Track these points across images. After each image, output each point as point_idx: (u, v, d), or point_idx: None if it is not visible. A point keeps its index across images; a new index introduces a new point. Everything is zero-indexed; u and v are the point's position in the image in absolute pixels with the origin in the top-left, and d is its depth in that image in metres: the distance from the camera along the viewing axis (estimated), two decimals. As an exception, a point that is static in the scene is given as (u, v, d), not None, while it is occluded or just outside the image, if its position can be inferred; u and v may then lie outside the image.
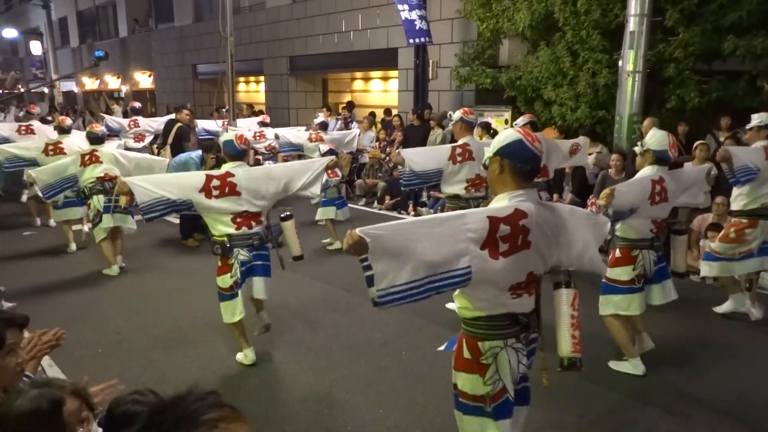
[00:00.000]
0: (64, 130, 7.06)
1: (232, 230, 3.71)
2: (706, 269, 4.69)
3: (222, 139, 4.21)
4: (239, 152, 3.86)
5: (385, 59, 12.25)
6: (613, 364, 3.88)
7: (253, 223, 3.76)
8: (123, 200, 5.73)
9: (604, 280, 3.75)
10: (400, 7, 9.72)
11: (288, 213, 4.11)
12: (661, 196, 3.53)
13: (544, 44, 8.38)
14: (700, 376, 3.80)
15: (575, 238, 2.28)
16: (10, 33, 28.00)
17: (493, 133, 8.36)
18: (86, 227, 7.14)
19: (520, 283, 2.11)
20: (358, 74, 15.14)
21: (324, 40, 13.56)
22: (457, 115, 4.84)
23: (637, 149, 3.74)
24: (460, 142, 4.73)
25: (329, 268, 6.14)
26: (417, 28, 9.75)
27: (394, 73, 12.72)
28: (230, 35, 8.00)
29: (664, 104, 7.53)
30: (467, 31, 10.22)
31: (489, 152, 2.19)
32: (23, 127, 8.65)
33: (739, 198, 4.45)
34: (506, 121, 9.23)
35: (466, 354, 2.22)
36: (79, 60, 25.73)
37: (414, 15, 9.66)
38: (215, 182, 3.63)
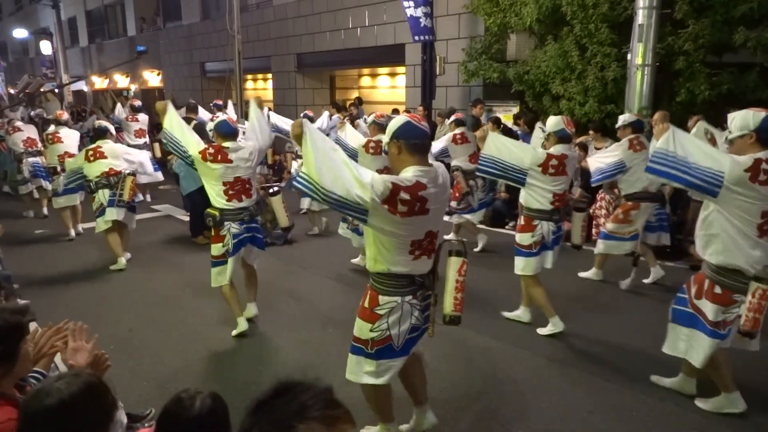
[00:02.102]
0: (60, 123, 7.54)
1: (223, 203, 4.11)
2: (601, 247, 5.39)
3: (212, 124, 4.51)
4: (232, 131, 4.25)
5: (392, 55, 12.22)
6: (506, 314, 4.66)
7: (243, 197, 4.16)
8: (126, 195, 5.94)
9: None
10: (405, 3, 9.69)
11: (276, 189, 4.59)
12: (558, 170, 4.09)
13: (551, 38, 8.32)
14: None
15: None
16: (21, 33, 28.25)
17: (503, 128, 8.33)
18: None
19: (419, 240, 2.49)
20: (366, 71, 15.12)
21: (331, 37, 13.56)
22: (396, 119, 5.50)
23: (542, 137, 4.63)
24: (375, 138, 5.40)
25: (308, 254, 6.53)
26: (422, 25, 9.71)
27: (401, 69, 12.69)
28: (238, 33, 8.04)
29: (674, 97, 7.45)
30: (474, 26, 10.17)
31: (385, 138, 2.60)
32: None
33: (624, 185, 5.27)
34: (514, 116, 9.19)
35: (366, 304, 2.65)
36: (89, 59, 25.90)
37: (419, 12, 9.62)
38: (210, 150, 4.11)
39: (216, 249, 4.23)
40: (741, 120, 2.99)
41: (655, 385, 3.60)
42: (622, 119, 5.49)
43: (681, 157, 2.97)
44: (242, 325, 4.34)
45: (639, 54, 6.91)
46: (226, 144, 4.15)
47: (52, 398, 1.47)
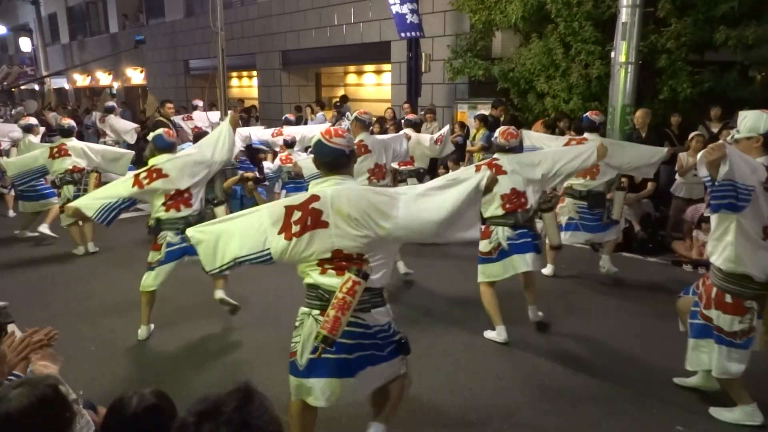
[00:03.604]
0: (65, 132, 6.87)
1: (162, 212, 4.13)
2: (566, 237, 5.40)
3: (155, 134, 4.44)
4: (168, 145, 4.26)
5: (377, 53, 12.19)
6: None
7: (182, 206, 4.13)
8: (91, 190, 5.99)
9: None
10: (390, 0, 9.67)
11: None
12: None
13: (536, 36, 8.35)
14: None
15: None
16: (-1, 30, 27.76)
17: (489, 125, 8.36)
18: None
19: (327, 259, 2.44)
20: (352, 68, 15.07)
21: (316, 34, 13.49)
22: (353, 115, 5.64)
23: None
24: (357, 139, 5.16)
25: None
26: (408, 22, 9.69)
27: (387, 67, 12.67)
28: (221, 30, 7.93)
29: (657, 95, 7.53)
30: (460, 24, 10.18)
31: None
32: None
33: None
34: (492, 104, 9.11)
35: None
36: (70, 56, 25.50)
37: (405, 9, 9.59)
38: (142, 174, 4.08)
39: (151, 255, 4.27)
40: (752, 121, 2.90)
41: (637, 379, 3.64)
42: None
43: (736, 183, 2.70)
44: (141, 333, 4.32)
45: (622, 52, 6.97)
46: (161, 158, 4.15)
47: (1, 408, 1.45)
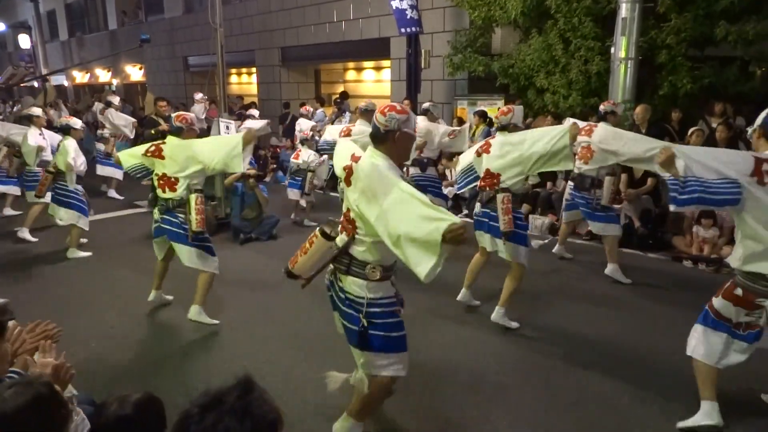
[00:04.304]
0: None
1: (158, 190, 4.41)
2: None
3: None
4: (176, 129, 4.43)
5: (377, 49, 12.17)
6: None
7: (167, 189, 4.33)
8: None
9: None
10: (391, -4, 9.66)
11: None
12: None
13: (536, 32, 8.34)
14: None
15: None
16: (-2, 27, 27.69)
17: (489, 122, 8.37)
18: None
19: (343, 215, 2.70)
20: (351, 64, 15.04)
21: (315, 31, 13.47)
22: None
23: None
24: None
25: (293, 249, 6.19)
26: (408, 17, 9.68)
27: (386, 63, 12.65)
28: (220, 26, 7.89)
29: (657, 91, 7.52)
30: (459, 20, 10.16)
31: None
32: None
33: None
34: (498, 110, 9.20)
35: None
36: (69, 53, 25.45)
37: (405, 4, 9.58)
38: (152, 148, 4.42)
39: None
40: (763, 114, 2.87)
41: (637, 375, 3.64)
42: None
43: (700, 179, 2.72)
44: (150, 296, 4.78)
45: (622, 47, 6.96)
46: (172, 140, 4.38)
47: None
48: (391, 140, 2.53)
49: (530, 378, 3.67)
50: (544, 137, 4.21)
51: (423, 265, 2.25)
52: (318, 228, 2.70)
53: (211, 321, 4.45)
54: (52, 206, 6.23)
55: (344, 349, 2.77)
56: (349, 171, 2.59)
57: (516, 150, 4.24)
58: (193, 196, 4.30)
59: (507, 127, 4.38)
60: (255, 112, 9.84)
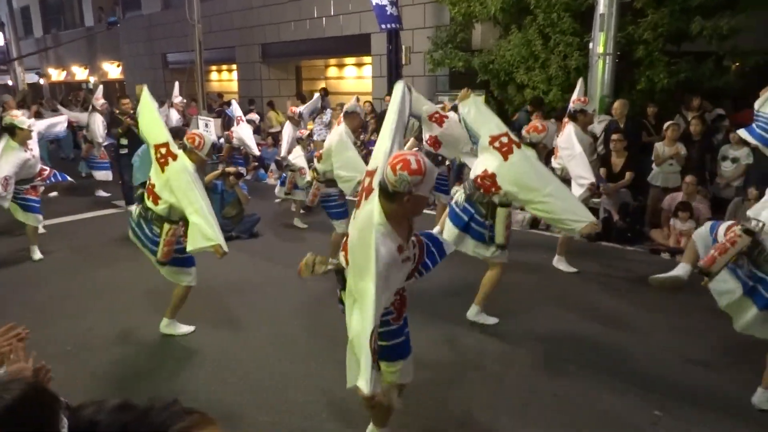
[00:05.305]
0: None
1: (145, 194, 4.18)
2: None
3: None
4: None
5: (358, 45, 12.14)
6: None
7: (151, 199, 4.07)
8: None
9: None
10: (371, -9, 9.64)
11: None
12: None
13: (515, 28, 8.38)
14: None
15: None
16: (-30, 23, 27.01)
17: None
18: None
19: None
20: (332, 61, 14.99)
21: (296, 27, 13.38)
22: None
23: None
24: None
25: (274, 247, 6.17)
26: (388, 13, 9.67)
27: (367, 59, 12.63)
28: (198, 22, 7.83)
29: (635, 85, 7.61)
30: (440, 16, 10.18)
31: None
32: None
33: None
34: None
35: None
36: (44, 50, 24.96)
37: (385, 0, 9.57)
38: (164, 150, 4.02)
39: None
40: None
41: (616, 367, 3.69)
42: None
43: None
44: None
45: (600, 43, 7.03)
46: (179, 159, 4.10)
47: None
48: (398, 202, 2.24)
49: (511, 372, 3.70)
50: (567, 210, 3.73)
51: (359, 380, 2.06)
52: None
53: (184, 331, 4.30)
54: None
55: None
56: (361, 196, 2.43)
57: (533, 186, 3.77)
58: (166, 226, 3.99)
59: (536, 146, 4.03)
60: (236, 107, 9.61)
